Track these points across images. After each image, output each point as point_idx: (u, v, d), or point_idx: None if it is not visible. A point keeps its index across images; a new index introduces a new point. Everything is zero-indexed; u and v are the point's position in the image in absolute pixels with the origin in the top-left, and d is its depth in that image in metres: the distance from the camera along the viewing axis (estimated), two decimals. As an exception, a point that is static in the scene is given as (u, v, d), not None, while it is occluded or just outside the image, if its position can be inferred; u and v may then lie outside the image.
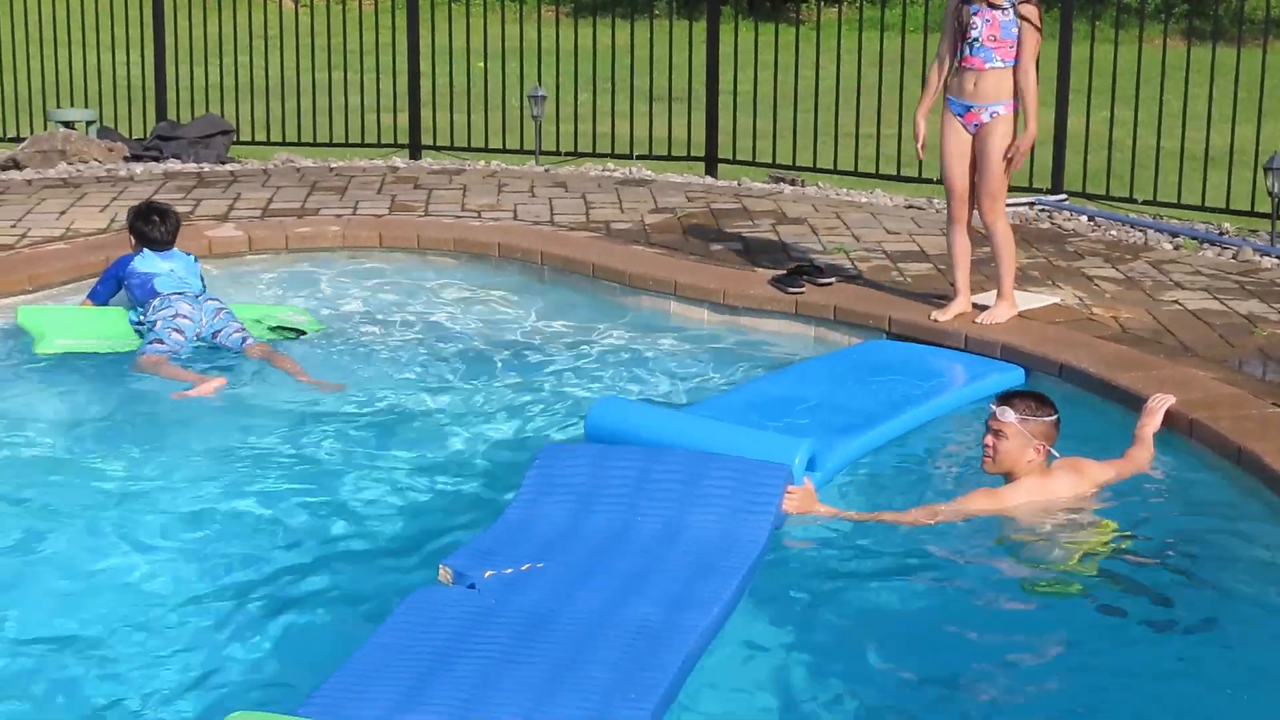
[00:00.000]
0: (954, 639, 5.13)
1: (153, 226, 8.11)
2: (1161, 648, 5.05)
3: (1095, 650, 5.00)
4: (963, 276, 7.87)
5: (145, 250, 8.07)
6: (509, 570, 5.18)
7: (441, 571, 5.20)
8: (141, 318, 7.85)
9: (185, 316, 7.76)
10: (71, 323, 7.89)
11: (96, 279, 8.21)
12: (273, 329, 8.05)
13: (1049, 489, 5.87)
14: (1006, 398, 5.97)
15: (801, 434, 6.10)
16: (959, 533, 5.73)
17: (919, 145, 7.88)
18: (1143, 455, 6.29)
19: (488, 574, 5.14)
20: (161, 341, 7.66)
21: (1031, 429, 5.86)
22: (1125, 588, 5.38)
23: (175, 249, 8.14)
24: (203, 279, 8.18)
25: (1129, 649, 5.03)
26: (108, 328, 7.88)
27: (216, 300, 7.97)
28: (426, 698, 4.37)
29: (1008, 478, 5.91)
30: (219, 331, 7.81)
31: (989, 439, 5.91)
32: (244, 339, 7.81)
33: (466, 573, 5.15)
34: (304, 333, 8.06)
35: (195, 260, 8.23)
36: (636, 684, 4.47)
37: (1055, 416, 5.94)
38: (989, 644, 5.10)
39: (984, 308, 7.84)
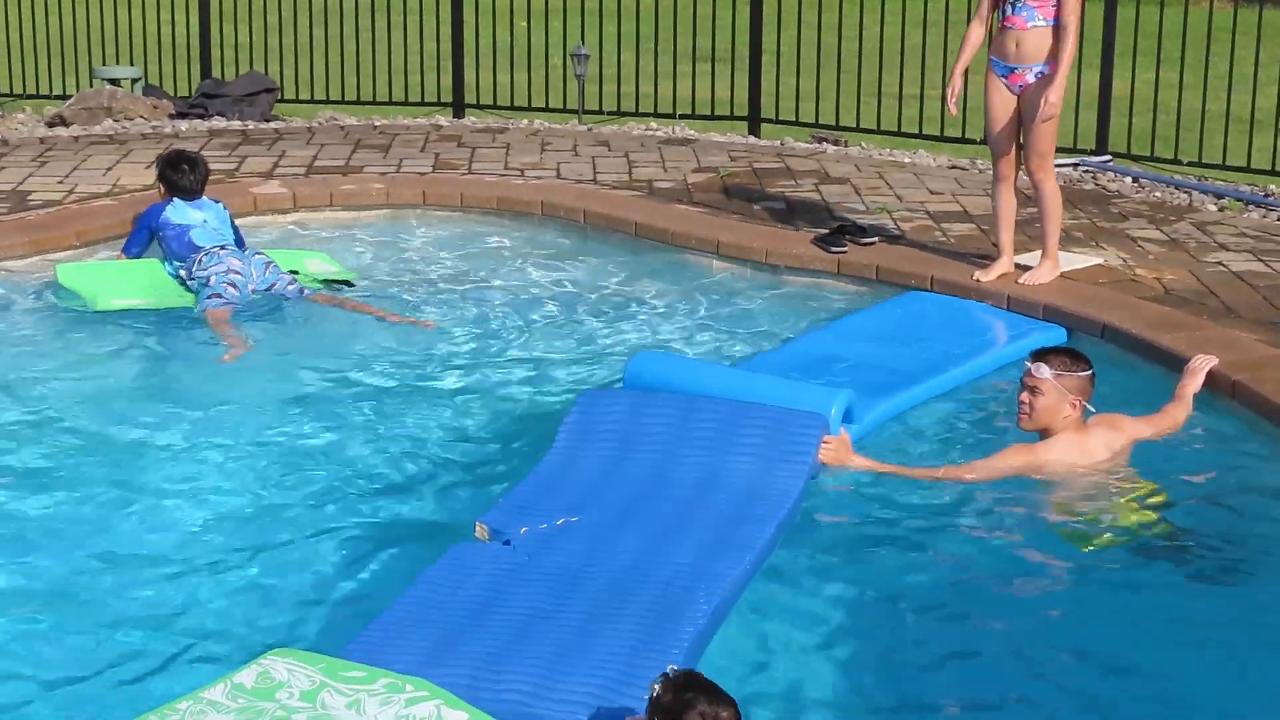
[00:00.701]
0: (988, 594, 5.17)
1: (182, 175, 8.16)
2: (1197, 604, 5.06)
3: (1128, 608, 5.01)
4: (1006, 236, 7.85)
5: (175, 200, 8.11)
6: (544, 526, 5.22)
7: (478, 529, 5.24)
8: (183, 272, 7.87)
9: (237, 272, 7.78)
10: (119, 280, 7.92)
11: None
12: (322, 281, 8.09)
13: (1085, 445, 5.88)
14: (1041, 354, 5.98)
15: (840, 387, 6.13)
16: (995, 488, 5.75)
17: (952, 102, 7.82)
18: (1180, 413, 6.28)
19: (523, 530, 5.18)
20: (220, 295, 7.69)
21: (1066, 384, 5.87)
22: (1163, 544, 5.39)
23: (205, 198, 8.19)
24: (236, 228, 8.23)
25: (1164, 606, 5.05)
26: (155, 283, 7.92)
27: (262, 255, 8.01)
28: (458, 650, 4.44)
29: (1043, 434, 5.93)
30: (273, 285, 7.85)
31: (1024, 395, 5.93)
32: (301, 290, 7.87)
33: (503, 529, 5.19)
34: (351, 283, 8.11)
35: (225, 208, 8.27)
36: (665, 634, 4.51)
37: (1090, 371, 5.94)
38: (1021, 599, 5.13)
39: (1027, 268, 7.83)
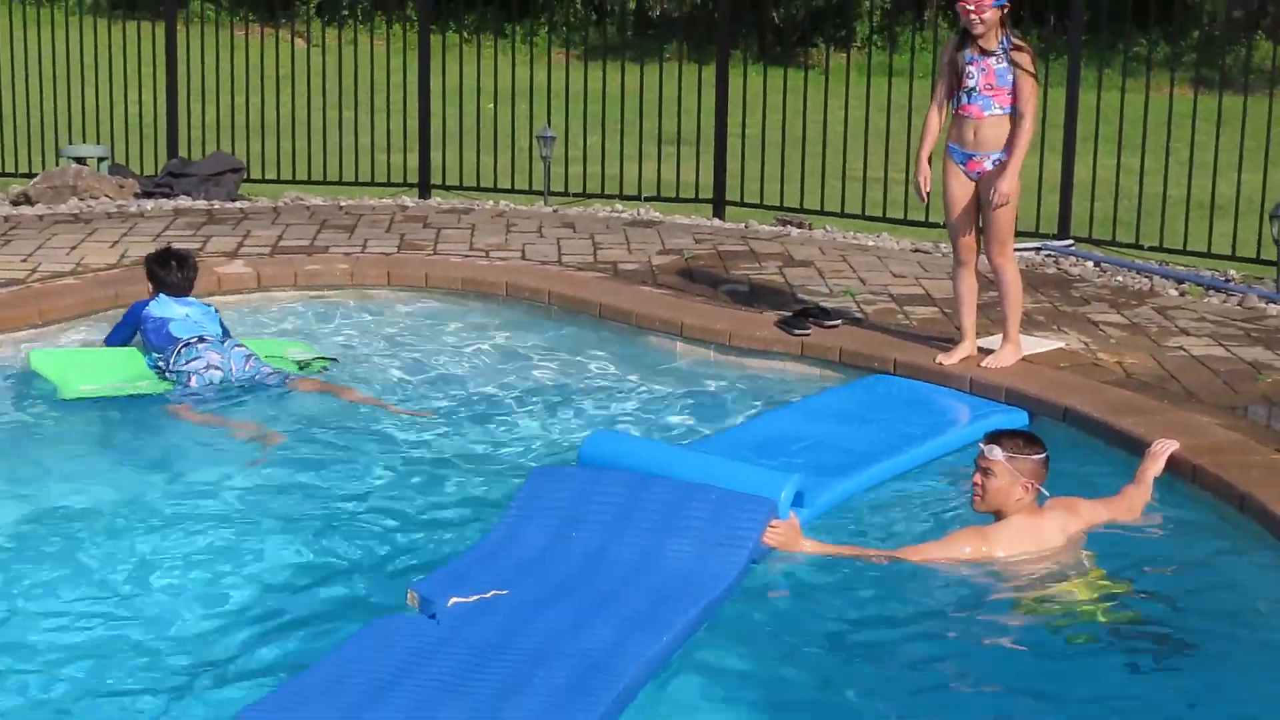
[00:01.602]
0: (932, 679, 5.13)
1: (169, 271, 8.09)
2: (1146, 691, 5.02)
3: (1075, 695, 4.97)
4: (969, 319, 7.89)
5: (161, 295, 8.03)
6: (474, 598, 5.24)
7: (410, 596, 5.28)
8: (161, 364, 7.75)
9: (215, 367, 7.68)
10: (91, 366, 7.81)
11: (106, 318, 8.20)
12: (301, 364, 8.02)
13: (1038, 528, 5.88)
14: (995, 436, 5.99)
15: (792, 470, 6.14)
16: (944, 571, 5.74)
17: (924, 190, 7.86)
18: (1139, 497, 6.30)
19: (451, 602, 5.20)
20: (197, 393, 7.58)
21: (1019, 466, 5.88)
22: (1116, 628, 5.37)
23: (193, 298, 8.11)
24: (224, 326, 8.09)
25: (1112, 692, 5.00)
26: (127, 369, 7.82)
27: (243, 346, 7.89)
28: None
29: (997, 516, 5.93)
30: (255, 377, 7.74)
31: (977, 477, 5.94)
32: (283, 377, 7.79)
33: (433, 599, 5.22)
34: (335, 360, 8.08)
35: (214, 310, 8.15)
36: (569, 710, 4.53)
37: (1044, 455, 5.95)
38: (967, 689, 5.09)
39: (989, 351, 7.87)
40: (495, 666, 4.80)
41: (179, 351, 7.71)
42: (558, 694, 4.62)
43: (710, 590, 5.38)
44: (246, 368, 7.76)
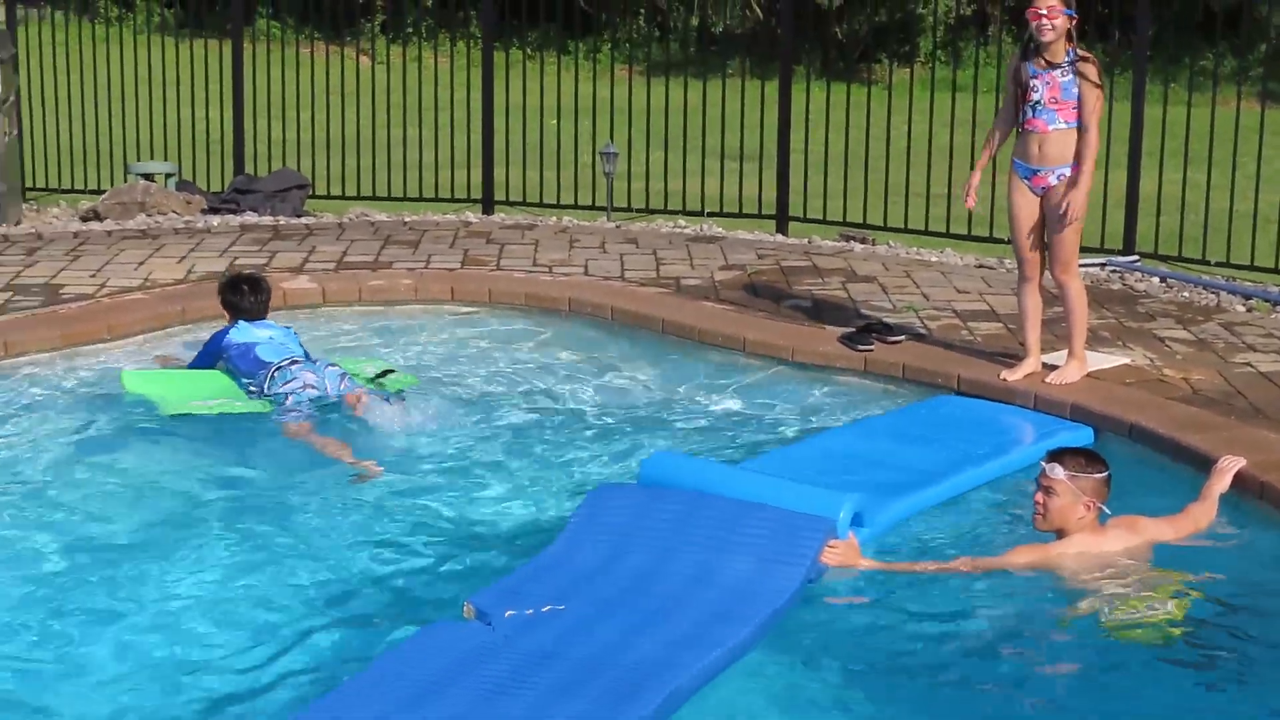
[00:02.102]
0: (987, 693, 5.11)
1: (242, 296, 8.07)
2: (1210, 708, 4.99)
3: (1135, 709, 4.95)
4: (1033, 335, 7.85)
5: (240, 321, 8.02)
6: (530, 611, 5.29)
7: (466, 608, 5.34)
8: (254, 388, 7.73)
9: (311, 386, 7.69)
10: (188, 385, 7.81)
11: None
12: (376, 379, 7.99)
13: (1099, 546, 5.86)
14: (1057, 454, 5.97)
15: (853, 489, 6.14)
16: (1003, 587, 5.73)
17: (969, 199, 7.90)
18: (1204, 514, 6.25)
19: (508, 614, 5.26)
20: (297, 410, 7.58)
21: (1081, 485, 5.86)
22: (1180, 644, 5.32)
23: (270, 320, 8.11)
24: (304, 349, 8.08)
25: (1175, 709, 4.97)
26: (220, 388, 7.80)
27: (335, 366, 7.89)
28: None
29: (1059, 535, 5.91)
30: (347, 396, 7.72)
31: (1039, 495, 5.93)
32: (377, 397, 7.72)
33: (489, 610, 5.27)
34: (394, 371, 8.09)
35: (293, 331, 8.16)
36: (610, 716, 4.59)
37: (1106, 474, 5.92)
38: (1026, 707, 5.07)
39: (1054, 367, 7.83)
40: (543, 673, 4.87)
41: (272, 376, 7.70)
42: (601, 701, 4.68)
43: (763, 608, 5.39)
44: (341, 387, 7.74)
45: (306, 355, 8.01)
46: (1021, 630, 5.53)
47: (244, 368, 7.82)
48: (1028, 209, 7.73)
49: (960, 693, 5.11)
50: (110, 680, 5.12)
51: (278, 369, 7.73)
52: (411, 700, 4.68)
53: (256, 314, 8.07)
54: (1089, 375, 7.81)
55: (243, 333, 7.95)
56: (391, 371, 8.11)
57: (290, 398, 7.63)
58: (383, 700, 4.67)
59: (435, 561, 6.08)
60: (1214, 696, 5.07)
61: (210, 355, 8.01)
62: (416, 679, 4.80)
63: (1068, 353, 7.83)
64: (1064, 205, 7.56)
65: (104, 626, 5.47)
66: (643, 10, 17.86)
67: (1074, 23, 7.52)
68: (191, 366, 8.10)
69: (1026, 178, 7.70)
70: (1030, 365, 7.83)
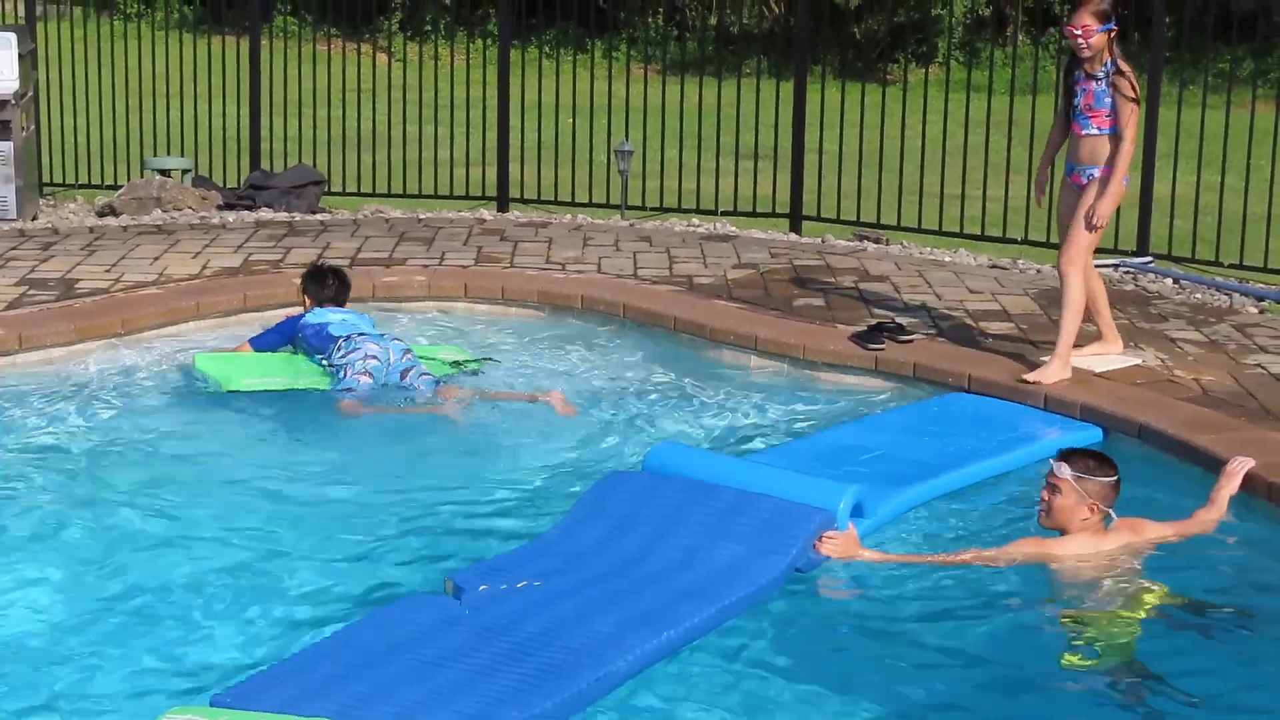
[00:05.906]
0: (985, 691, 5.12)
1: (325, 287, 8.46)
2: (1208, 711, 4.98)
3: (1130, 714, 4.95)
4: (1100, 320, 8.11)
5: (316, 309, 8.32)
6: (503, 586, 5.36)
7: (447, 583, 5.44)
8: (324, 362, 8.01)
9: (374, 357, 7.89)
10: (253, 366, 8.09)
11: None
12: (453, 364, 8.21)
13: (1099, 545, 5.87)
14: (1067, 454, 5.99)
15: (855, 481, 6.16)
16: (1001, 578, 5.76)
17: (1036, 194, 8.40)
18: (1211, 516, 6.25)
19: (482, 588, 5.34)
20: (352, 389, 7.79)
21: (1086, 487, 5.86)
22: (1179, 649, 5.33)
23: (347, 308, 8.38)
24: (375, 331, 8.28)
25: (1171, 710, 4.97)
26: (288, 369, 8.08)
27: (400, 340, 8.13)
28: (333, 690, 4.65)
29: (1061, 534, 5.92)
30: (407, 371, 7.91)
31: (1045, 492, 5.96)
32: (436, 381, 7.93)
33: (465, 586, 5.35)
34: (490, 359, 8.31)
35: (368, 316, 8.41)
36: (536, 691, 4.66)
37: (1114, 478, 5.92)
38: (1019, 701, 5.08)
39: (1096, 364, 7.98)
40: (492, 644, 4.96)
41: (338, 345, 7.96)
42: (534, 674, 4.77)
43: (735, 591, 5.43)
44: (404, 359, 7.94)
45: (379, 336, 8.21)
46: (1013, 625, 5.54)
47: (316, 344, 8.12)
48: (1067, 204, 8.02)
49: (954, 686, 5.13)
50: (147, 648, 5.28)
51: (344, 339, 7.98)
52: (356, 667, 4.78)
53: (336, 304, 8.44)
54: (1099, 375, 7.81)
55: (318, 315, 8.25)
56: (481, 361, 8.33)
57: (348, 369, 7.83)
58: (331, 665, 4.79)
59: (443, 548, 6.15)
60: (1215, 698, 5.07)
61: (279, 334, 8.31)
62: (367, 647, 4.91)
63: (1053, 351, 7.83)
64: (1086, 202, 7.77)
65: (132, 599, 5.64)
66: (660, 9, 17.88)
67: (1113, 34, 7.68)
68: (257, 339, 8.36)
69: (1068, 174, 8.04)
70: (1109, 345, 8.15)
